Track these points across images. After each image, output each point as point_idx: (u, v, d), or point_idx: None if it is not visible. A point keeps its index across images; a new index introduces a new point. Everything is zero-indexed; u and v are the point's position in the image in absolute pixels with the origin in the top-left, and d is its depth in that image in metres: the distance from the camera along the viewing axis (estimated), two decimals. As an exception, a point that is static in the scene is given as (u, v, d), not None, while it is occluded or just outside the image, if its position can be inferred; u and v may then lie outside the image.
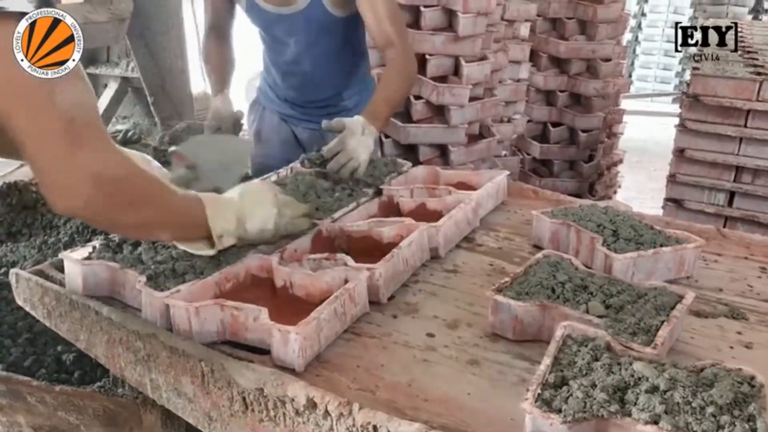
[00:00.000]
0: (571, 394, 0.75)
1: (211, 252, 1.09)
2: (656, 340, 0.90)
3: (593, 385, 0.77)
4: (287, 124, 2.09)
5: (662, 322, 0.95)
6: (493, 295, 1.02)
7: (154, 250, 1.15)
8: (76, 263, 1.13)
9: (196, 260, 1.10)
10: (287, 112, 2.08)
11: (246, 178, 1.65)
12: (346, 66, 1.92)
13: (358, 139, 1.49)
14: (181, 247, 1.10)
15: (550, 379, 0.79)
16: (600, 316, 0.96)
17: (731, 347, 1.02)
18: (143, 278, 1.06)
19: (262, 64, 2.12)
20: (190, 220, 1.05)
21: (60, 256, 1.16)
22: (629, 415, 0.72)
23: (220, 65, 1.95)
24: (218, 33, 2.01)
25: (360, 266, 1.11)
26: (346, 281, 1.08)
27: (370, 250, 1.25)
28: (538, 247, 1.33)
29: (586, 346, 0.85)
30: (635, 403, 0.74)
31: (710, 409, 0.72)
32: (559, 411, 0.73)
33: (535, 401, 0.75)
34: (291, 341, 0.93)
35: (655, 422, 0.71)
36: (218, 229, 1.06)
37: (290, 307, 1.07)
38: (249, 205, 1.11)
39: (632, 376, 0.78)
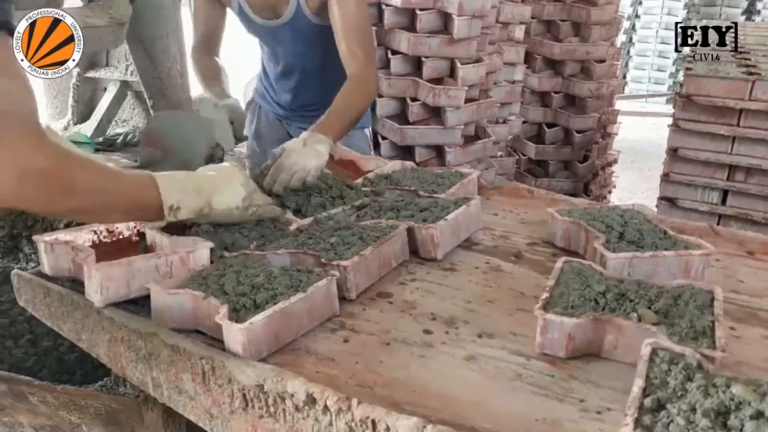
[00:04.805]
0: (672, 420, 0.71)
1: (161, 223, 1.11)
2: (718, 342, 0.88)
3: (692, 410, 0.72)
4: (282, 124, 2.17)
5: (711, 321, 0.92)
6: (543, 315, 0.95)
7: (236, 281, 1.04)
8: (161, 293, 1.03)
9: (276, 287, 1.02)
10: (281, 113, 2.16)
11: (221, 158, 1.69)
12: (336, 73, 1.84)
13: (298, 152, 1.45)
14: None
15: (646, 403, 0.75)
16: (654, 324, 0.93)
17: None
18: (224, 309, 0.96)
19: (261, 66, 2.15)
20: (142, 200, 1.06)
21: (146, 285, 1.06)
22: None
23: (220, 76, 1.94)
24: (207, 48, 1.99)
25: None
26: None
27: None
28: (551, 244, 1.35)
29: (677, 364, 0.81)
30: (741, 430, 0.69)
31: None
32: None
33: (635, 427, 0.72)
34: (93, 278, 1.04)
35: None
36: (172, 201, 1.06)
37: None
38: (219, 182, 1.11)
39: (732, 399, 0.73)
